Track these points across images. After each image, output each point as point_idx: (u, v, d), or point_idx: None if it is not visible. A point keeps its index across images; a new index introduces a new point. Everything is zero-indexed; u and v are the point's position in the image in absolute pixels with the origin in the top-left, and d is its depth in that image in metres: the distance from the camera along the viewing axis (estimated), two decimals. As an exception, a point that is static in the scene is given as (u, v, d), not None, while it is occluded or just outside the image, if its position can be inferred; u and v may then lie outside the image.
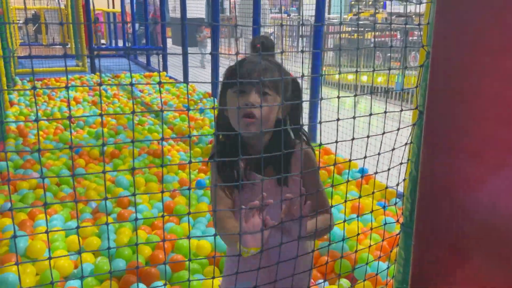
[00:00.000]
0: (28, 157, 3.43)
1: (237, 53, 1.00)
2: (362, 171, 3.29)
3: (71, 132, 0.84)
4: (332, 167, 3.27)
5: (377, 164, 1.21)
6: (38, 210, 2.52)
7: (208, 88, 6.65)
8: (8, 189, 2.46)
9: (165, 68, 8.30)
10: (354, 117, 1.15)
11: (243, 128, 1.13)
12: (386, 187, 1.42)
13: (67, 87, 0.80)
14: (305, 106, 3.92)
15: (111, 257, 2.14)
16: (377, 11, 8.42)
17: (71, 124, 4.54)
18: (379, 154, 1.19)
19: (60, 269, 2.03)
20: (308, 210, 1.06)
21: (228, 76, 1.20)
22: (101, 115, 0.82)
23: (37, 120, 0.80)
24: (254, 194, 1.18)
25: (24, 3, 10.96)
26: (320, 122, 1.06)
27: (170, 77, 7.79)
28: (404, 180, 1.28)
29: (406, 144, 1.22)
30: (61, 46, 12.13)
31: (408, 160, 1.21)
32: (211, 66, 5.79)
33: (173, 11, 12.89)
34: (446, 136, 1.03)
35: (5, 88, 5.23)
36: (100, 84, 0.83)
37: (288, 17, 9.00)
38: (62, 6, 11.72)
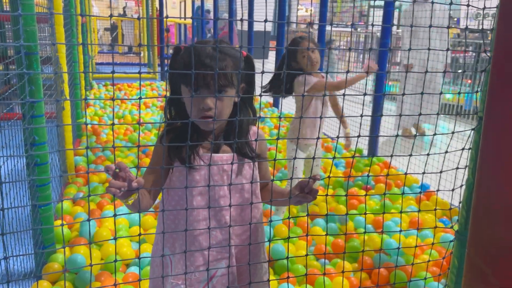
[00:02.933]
0: (100, 153, 3.68)
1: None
2: (423, 186, 3.20)
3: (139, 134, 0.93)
4: (391, 181, 3.23)
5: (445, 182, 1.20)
6: (105, 202, 2.70)
7: (270, 98, 6.75)
8: (81, 181, 2.64)
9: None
10: (415, 135, 1.16)
11: (202, 126, 1.16)
12: (448, 205, 1.39)
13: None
14: (367, 119, 3.90)
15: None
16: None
17: (140, 126, 4.80)
18: (440, 172, 1.18)
19: (122, 256, 2.17)
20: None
21: (180, 65, 1.15)
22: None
23: (113, 124, 0.90)
24: (212, 172, 1.20)
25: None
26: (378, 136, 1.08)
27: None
28: (455, 189, 1.26)
29: (463, 149, 1.21)
30: (135, 55, 12.84)
31: (466, 166, 1.19)
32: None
33: (241, 24, 13.23)
34: (506, 142, 1.01)
35: (83, 90, 5.63)
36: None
37: (355, 31, 8.95)
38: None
